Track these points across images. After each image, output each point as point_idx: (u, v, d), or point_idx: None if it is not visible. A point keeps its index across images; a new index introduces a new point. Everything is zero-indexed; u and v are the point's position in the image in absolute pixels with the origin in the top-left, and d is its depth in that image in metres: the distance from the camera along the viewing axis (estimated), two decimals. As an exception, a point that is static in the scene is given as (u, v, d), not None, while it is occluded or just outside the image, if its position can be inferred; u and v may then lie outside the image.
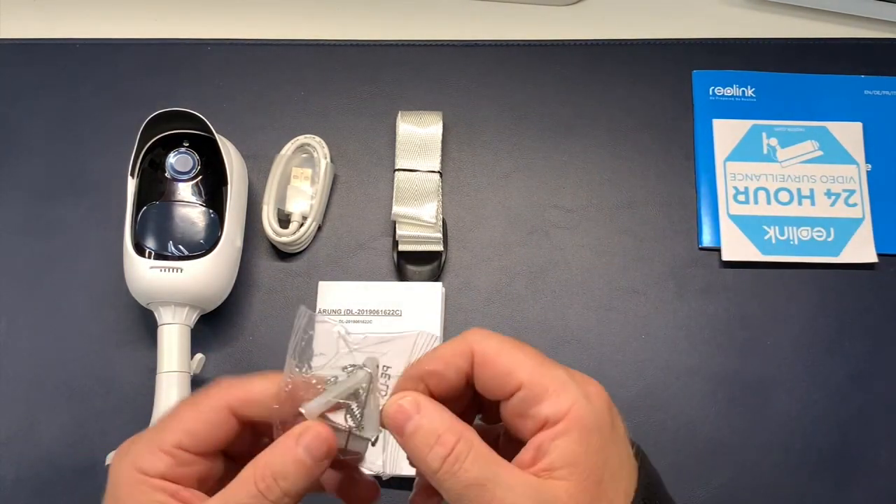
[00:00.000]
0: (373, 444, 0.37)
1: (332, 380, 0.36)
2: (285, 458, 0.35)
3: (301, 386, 0.36)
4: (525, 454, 0.34)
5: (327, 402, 0.36)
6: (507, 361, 0.35)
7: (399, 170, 0.65)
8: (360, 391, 0.36)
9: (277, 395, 0.36)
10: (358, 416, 0.36)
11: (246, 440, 0.38)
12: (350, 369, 0.37)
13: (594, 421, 0.34)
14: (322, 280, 0.64)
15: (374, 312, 0.62)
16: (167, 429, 0.36)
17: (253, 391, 0.37)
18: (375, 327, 0.62)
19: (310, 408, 0.35)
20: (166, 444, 0.36)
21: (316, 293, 0.63)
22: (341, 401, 0.36)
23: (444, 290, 0.63)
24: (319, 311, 0.63)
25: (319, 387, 0.36)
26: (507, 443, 0.37)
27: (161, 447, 0.36)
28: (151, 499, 0.35)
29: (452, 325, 0.63)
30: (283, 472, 0.35)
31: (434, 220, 0.64)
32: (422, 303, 0.62)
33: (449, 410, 0.35)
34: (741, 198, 0.65)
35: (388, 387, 0.37)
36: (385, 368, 0.38)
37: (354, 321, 0.62)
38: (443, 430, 0.34)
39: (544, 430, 0.34)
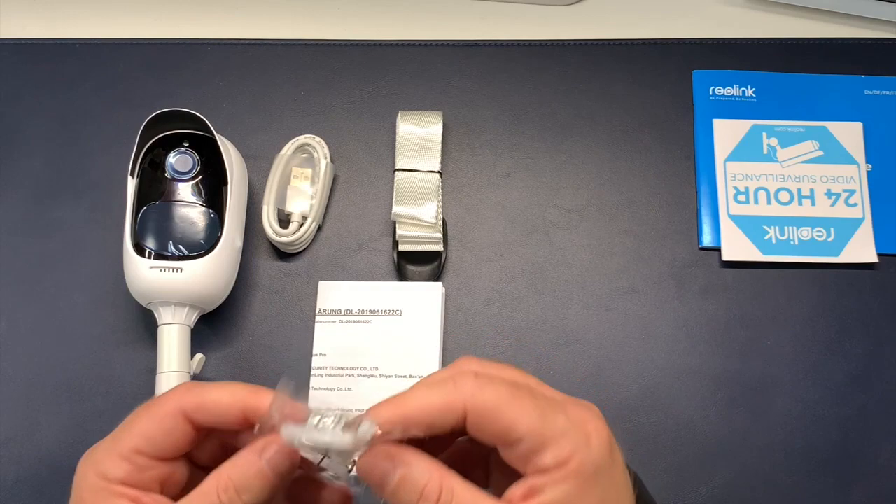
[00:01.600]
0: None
1: (324, 420, 0.35)
2: (248, 471, 0.35)
3: (289, 406, 0.35)
4: (517, 489, 0.34)
5: (312, 446, 0.35)
6: (506, 417, 0.34)
7: (399, 170, 0.65)
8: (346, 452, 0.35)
9: (231, 406, 0.36)
10: (336, 467, 0.36)
11: (209, 448, 0.38)
12: (344, 424, 0.35)
13: (594, 468, 0.34)
14: (322, 280, 0.64)
15: (374, 312, 0.62)
16: (125, 434, 0.36)
17: (208, 398, 0.36)
18: (375, 327, 0.62)
19: (289, 436, 0.34)
20: (125, 449, 0.35)
21: (316, 293, 0.63)
22: (322, 448, 0.35)
23: (444, 290, 0.63)
24: (319, 312, 0.63)
25: (305, 414, 0.35)
26: (498, 461, 0.36)
27: (120, 453, 0.35)
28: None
29: (452, 325, 0.63)
30: (246, 485, 0.35)
31: (434, 220, 0.64)
32: (422, 303, 0.62)
33: (428, 456, 0.35)
34: (741, 198, 0.65)
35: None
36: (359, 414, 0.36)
37: (354, 321, 0.62)
38: (425, 482, 0.33)
39: (543, 475, 0.33)
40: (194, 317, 0.60)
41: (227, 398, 0.36)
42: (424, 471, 0.34)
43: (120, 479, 0.35)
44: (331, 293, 0.63)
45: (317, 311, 0.63)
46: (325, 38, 0.72)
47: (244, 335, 0.63)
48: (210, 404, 0.36)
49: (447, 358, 0.62)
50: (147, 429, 0.36)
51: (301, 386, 0.36)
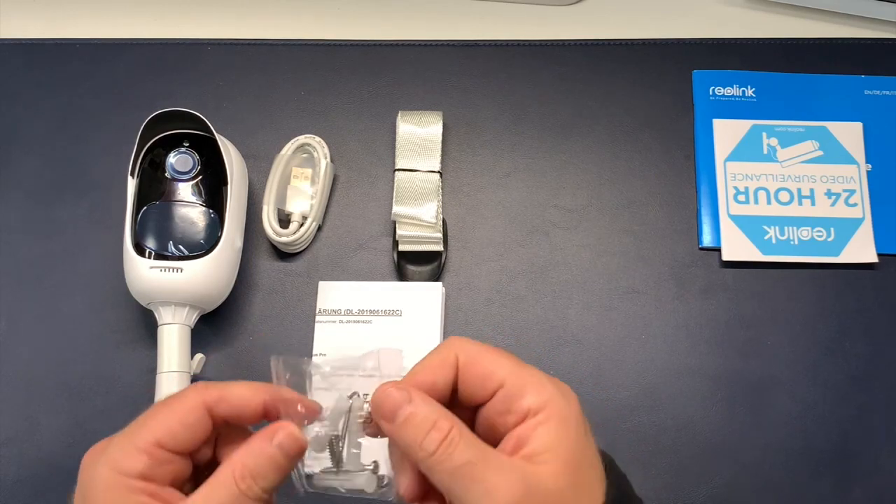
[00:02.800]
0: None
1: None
2: (261, 457, 0.36)
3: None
4: (506, 444, 0.37)
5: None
6: (489, 363, 0.37)
7: (399, 170, 0.65)
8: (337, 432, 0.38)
9: (252, 398, 0.38)
10: (339, 452, 0.39)
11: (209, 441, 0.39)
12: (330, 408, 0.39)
13: (570, 414, 0.37)
14: (322, 280, 0.64)
15: (374, 312, 0.62)
16: (144, 428, 0.37)
17: (230, 391, 0.38)
18: (375, 327, 0.62)
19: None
20: (144, 443, 0.36)
21: (316, 293, 0.63)
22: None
23: (444, 290, 0.63)
24: (319, 312, 0.63)
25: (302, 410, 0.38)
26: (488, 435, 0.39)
27: (138, 447, 0.36)
28: (132, 500, 0.35)
29: (452, 325, 0.63)
30: (261, 471, 0.36)
31: (434, 220, 0.64)
32: (422, 303, 0.62)
33: (434, 400, 0.37)
34: (741, 198, 0.65)
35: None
36: (364, 396, 0.39)
37: (354, 321, 0.62)
38: (437, 417, 0.36)
39: (525, 422, 0.36)
40: (194, 317, 0.59)
41: (249, 391, 0.38)
42: (437, 407, 0.37)
43: (138, 472, 0.36)
44: (331, 293, 0.63)
45: (317, 311, 0.63)
46: (325, 38, 0.72)
47: (244, 335, 0.63)
48: (233, 397, 0.38)
49: (447, 358, 0.62)
50: (169, 422, 0.37)
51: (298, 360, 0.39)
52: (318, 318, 0.63)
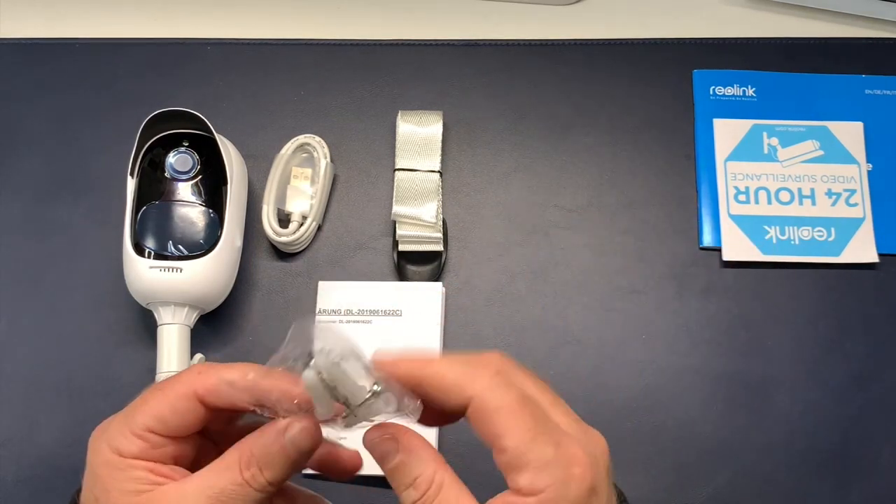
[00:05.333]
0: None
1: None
2: (271, 448, 0.35)
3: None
4: (494, 502, 0.35)
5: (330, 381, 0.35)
6: (501, 425, 0.34)
7: (399, 169, 0.65)
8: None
9: (244, 391, 0.36)
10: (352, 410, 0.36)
11: (222, 419, 0.39)
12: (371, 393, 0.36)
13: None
14: (322, 280, 0.64)
15: (374, 312, 0.62)
16: (137, 413, 0.36)
17: (221, 381, 0.36)
18: (375, 327, 0.62)
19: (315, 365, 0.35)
20: (137, 427, 0.36)
21: (316, 293, 0.63)
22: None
23: (444, 290, 0.63)
24: (319, 312, 0.63)
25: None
26: None
27: (132, 430, 0.36)
28: (130, 476, 0.35)
29: (452, 325, 0.63)
30: (269, 461, 0.35)
31: (434, 220, 0.64)
32: (422, 303, 0.62)
33: (429, 445, 0.36)
34: (742, 198, 0.65)
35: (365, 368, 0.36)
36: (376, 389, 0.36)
37: (354, 321, 0.62)
38: (418, 473, 0.35)
39: (517, 497, 0.34)
40: (194, 317, 0.59)
41: (241, 382, 0.36)
42: (421, 461, 0.35)
43: (133, 454, 0.36)
44: (331, 293, 0.63)
45: (317, 311, 0.63)
46: (325, 38, 0.72)
47: (244, 335, 0.63)
48: (223, 388, 0.36)
49: (447, 358, 0.62)
50: (159, 410, 0.36)
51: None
52: (318, 318, 0.63)
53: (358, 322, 0.62)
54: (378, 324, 0.62)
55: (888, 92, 0.68)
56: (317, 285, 0.63)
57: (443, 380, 0.35)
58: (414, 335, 0.61)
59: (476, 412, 0.35)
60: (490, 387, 0.35)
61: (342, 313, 0.62)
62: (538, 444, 0.34)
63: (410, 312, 0.62)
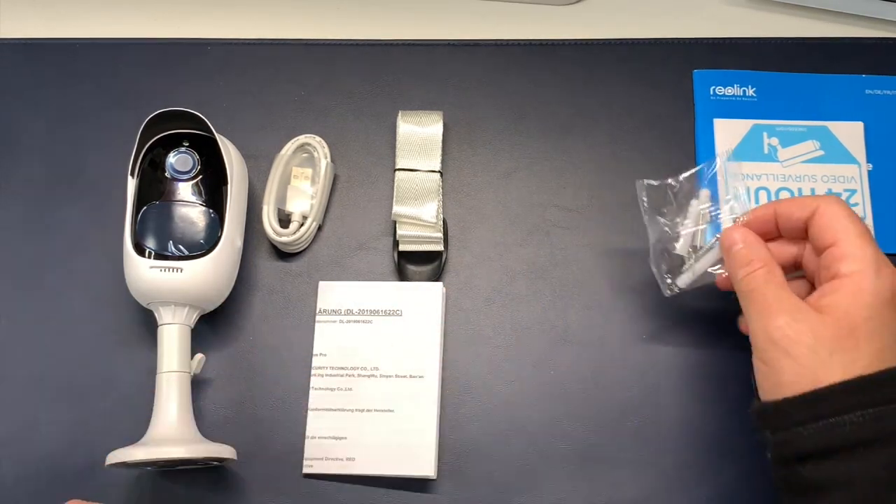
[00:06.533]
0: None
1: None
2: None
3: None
4: (812, 295, 0.47)
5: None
6: (839, 227, 0.47)
7: (399, 169, 0.65)
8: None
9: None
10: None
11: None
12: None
13: (871, 289, 0.45)
14: (322, 280, 0.64)
15: (375, 312, 0.62)
16: None
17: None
18: (376, 327, 0.62)
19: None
20: None
21: (316, 293, 0.63)
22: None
23: (444, 289, 0.63)
24: (319, 312, 0.63)
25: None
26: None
27: None
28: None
29: (452, 326, 0.63)
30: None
31: (434, 220, 0.64)
32: (422, 303, 0.62)
33: (765, 246, 0.50)
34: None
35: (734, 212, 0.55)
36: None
37: (355, 321, 0.62)
38: (753, 258, 0.49)
39: (831, 281, 0.46)
40: (194, 317, 0.59)
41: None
42: (755, 250, 0.50)
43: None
44: (331, 293, 0.63)
45: (317, 311, 0.63)
46: (325, 38, 0.72)
47: (244, 335, 0.63)
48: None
49: (447, 358, 0.62)
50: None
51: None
52: (318, 318, 0.63)
53: (358, 322, 0.62)
54: (378, 324, 0.62)
55: (888, 92, 0.68)
56: (317, 285, 0.63)
57: (793, 202, 0.51)
58: (414, 335, 0.61)
59: (820, 217, 0.48)
60: (832, 201, 0.49)
61: (342, 313, 0.62)
62: (863, 244, 0.47)
63: (411, 312, 0.62)
